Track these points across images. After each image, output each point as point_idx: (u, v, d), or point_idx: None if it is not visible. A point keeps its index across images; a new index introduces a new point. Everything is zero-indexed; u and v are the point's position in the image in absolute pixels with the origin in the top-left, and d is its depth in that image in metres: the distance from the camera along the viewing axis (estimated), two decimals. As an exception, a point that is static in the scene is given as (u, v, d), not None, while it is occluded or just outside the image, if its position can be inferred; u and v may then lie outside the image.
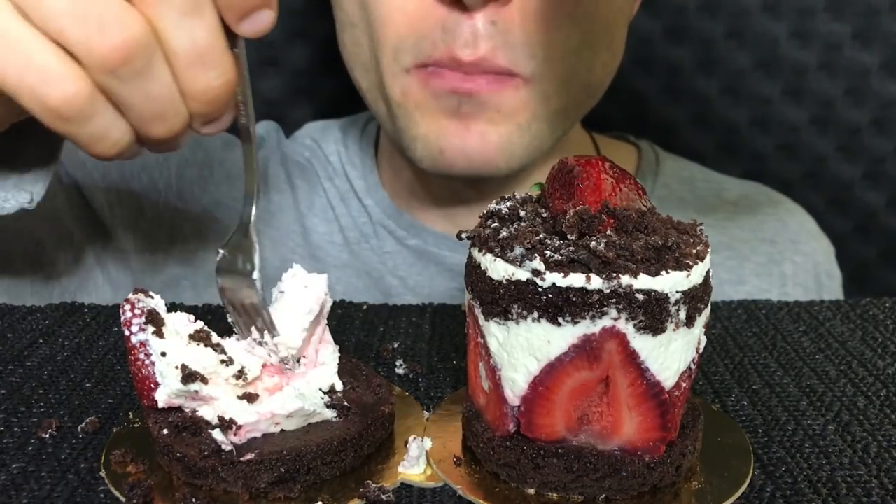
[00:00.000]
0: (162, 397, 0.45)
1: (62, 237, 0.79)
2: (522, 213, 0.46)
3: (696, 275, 0.42)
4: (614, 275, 0.40)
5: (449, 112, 0.71)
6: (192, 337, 0.46)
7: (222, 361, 0.46)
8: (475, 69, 0.69)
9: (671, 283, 0.41)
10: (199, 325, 0.47)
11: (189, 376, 0.45)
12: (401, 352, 0.61)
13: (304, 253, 0.88)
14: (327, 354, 0.51)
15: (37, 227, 0.77)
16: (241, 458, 0.44)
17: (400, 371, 0.58)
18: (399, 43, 0.70)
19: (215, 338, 0.47)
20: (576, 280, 0.40)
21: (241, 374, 0.46)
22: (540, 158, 0.78)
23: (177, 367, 0.45)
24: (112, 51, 0.43)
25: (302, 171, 0.92)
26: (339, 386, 0.51)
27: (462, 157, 0.73)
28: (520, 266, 0.42)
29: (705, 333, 0.46)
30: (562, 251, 0.41)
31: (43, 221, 0.77)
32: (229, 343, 0.48)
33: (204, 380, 0.45)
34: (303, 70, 1.04)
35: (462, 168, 0.73)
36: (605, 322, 0.41)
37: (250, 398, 0.46)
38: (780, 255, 0.89)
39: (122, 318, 0.46)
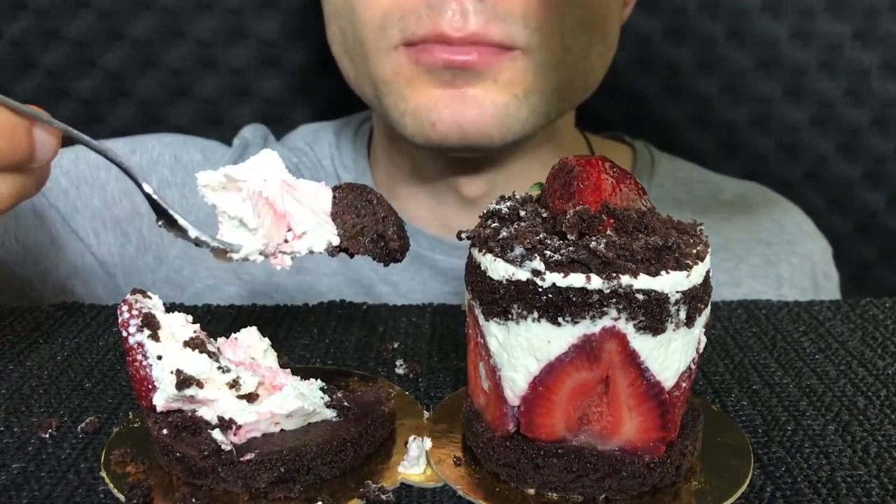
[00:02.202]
0: (160, 402, 0.45)
1: (48, 271, 0.80)
2: (522, 213, 0.46)
3: (696, 275, 0.42)
4: (614, 275, 0.40)
5: (442, 83, 0.70)
6: (186, 344, 0.46)
7: (218, 368, 0.46)
8: (466, 43, 0.68)
9: (671, 283, 0.41)
10: (196, 327, 0.47)
11: (184, 382, 0.44)
12: (401, 352, 0.61)
13: (291, 267, 0.87)
14: (308, 221, 0.47)
15: (17, 265, 0.77)
16: (241, 458, 0.44)
17: (400, 371, 0.58)
18: (384, 19, 0.70)
19: (211, 346, 0.47)
20: (576, 280, 0.40)
21: (235, 384, 0.46)
22: (530, 150, 0.77)
23: (172, 373, 0.45)
24: None
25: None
26: (335, 242, 0.47)
27: (455, 128, 0.71)
28: (520, 266, 0.42)
29: (705, 333, 0.46)
30: (562, 251, 0.41)
31: (24, 258, 0.77)
32: (227, 348, 0.49)
33: (199, 384, 0.45)
34: (303, 70, 1.04)
35: (455, 141, 0.72)
36: (605, 322, 0.41)
37: (250, 398, 0.46)
38: (777, 257, 0.89)
39: (120, 320, 0.46)
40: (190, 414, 0.46)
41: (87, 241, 0.84)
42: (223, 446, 0.44)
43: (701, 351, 0.46)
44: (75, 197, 0.83)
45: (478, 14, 0.67)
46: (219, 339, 0.49)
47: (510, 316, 0.43)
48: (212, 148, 0.92)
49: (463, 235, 0.46)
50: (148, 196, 0.46)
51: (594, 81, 0.79)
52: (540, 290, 0.41)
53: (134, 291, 0.47)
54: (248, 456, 0.44)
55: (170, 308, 0.48)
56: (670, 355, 0.43)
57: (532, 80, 0.71)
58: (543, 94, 0.72)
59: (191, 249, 0.86)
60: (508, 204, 0.47)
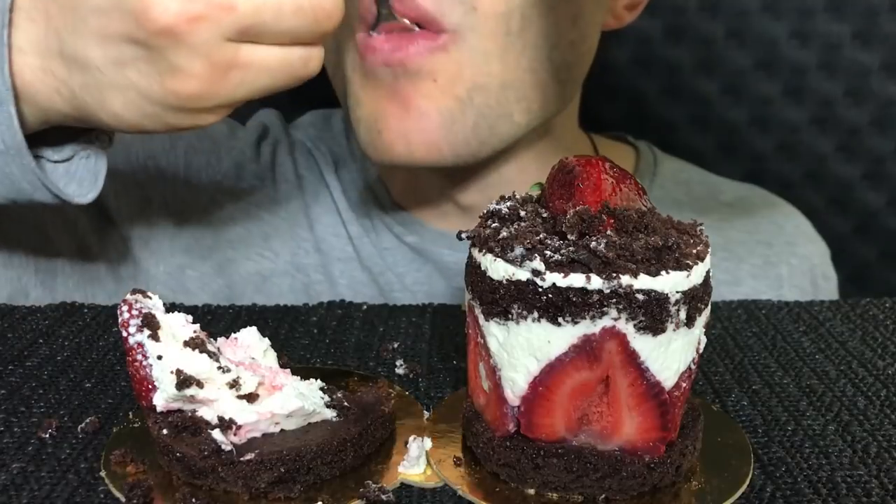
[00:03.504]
0: (160, 402, 0.45)
1: (66, 224, 0.80)
2: (522, 213, 0.46)
3: (697, 275, 0.42)
4: (614, 275, 0.40)
5: (388, 92, 0.70)
6: (186, 344, 0.46)
7: (219, 368, 0.46)
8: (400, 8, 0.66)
9: (671, 283, 0.41)
10: (196, 327, 0.47)
11: (184, 381, 0.44)
12: (401, 352, 0.61)
13: (310, 246, 0.88)
14: None
15: (40, 213, 0.77)
16: (241, 458, 0.44)
17: (400, 371, 0.58)
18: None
19: (211, 346, 0.47)
20: (576, 280, 0.40)
21: (235, 384, 0.46)
22: (511, 150, 0.76)
23: (172, 373, 0.45)
24: None
25: (307, 161, 0.92)
26: None
27: (401, 139, 0.70)
28: (520, 266, 0.42)
29: (705, 333, 0.46)
30: (562, 251, 0.41)
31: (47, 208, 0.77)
32: (227, 348, 0.49)
33: (199, 384, 0.45)
34: (303, 70, 1.04)
35: (402, 153, 0.71)
36: (606, 322, 0.41)
37: (250, 398, 0.46)
38: (777, 258, 0.89)
39: (120, 320, 0.46)
40: (190, 414, 0.46)
41: (108, 202, 0.84)
42: (223, 446, 0.44)
43: (701, 351, 0.46)
44: None
45: None
46: (219, 339, 0.49)
47: (510, 316, 0.43)
48: (235, 125, 0.94)
49: (463, 235, 0.46)
50: None
51: (575, 62, 0.74)
52: (540, 290, 0.41)
53: (134, 291, 0.47)
54: (248, 456, 0.44)
55: (170, 308, 0.48)
56: (670, 355, 0.43)
57: (473, 76, 0.69)
58: (495, 91, 0.70)
59: (212, 219, 0.87)
60: (508, 204, 0.47)
